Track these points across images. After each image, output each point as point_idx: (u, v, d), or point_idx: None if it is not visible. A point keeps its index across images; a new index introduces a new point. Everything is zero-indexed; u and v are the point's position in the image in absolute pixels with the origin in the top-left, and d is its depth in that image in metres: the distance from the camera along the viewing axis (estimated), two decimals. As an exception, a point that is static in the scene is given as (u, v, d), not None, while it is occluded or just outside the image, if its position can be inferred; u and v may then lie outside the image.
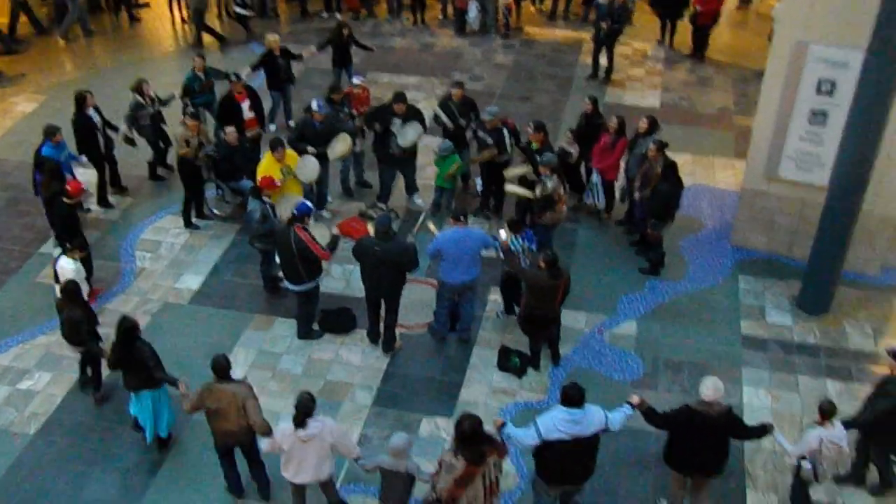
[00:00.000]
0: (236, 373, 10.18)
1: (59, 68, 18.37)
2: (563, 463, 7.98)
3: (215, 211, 13.41)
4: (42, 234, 12.85)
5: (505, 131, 12.71)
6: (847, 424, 8.43)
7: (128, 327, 8.95)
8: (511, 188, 12.34)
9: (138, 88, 13.56)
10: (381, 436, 9.61)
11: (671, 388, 10.41)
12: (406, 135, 12.73)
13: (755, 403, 10.21)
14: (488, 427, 7.89)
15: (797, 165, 11.81)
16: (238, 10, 19.34)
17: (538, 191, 11.53)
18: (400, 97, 12.94)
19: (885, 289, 12.07)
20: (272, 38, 15.17)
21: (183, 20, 20.62)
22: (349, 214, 13.33)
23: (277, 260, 11.01)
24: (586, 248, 12.78)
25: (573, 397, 7.77)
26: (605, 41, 17.40)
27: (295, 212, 10.38)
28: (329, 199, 13.54)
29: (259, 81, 15.38)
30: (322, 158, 12.62)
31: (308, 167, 12.30)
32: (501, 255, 10.63)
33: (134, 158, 14.23)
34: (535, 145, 12.32)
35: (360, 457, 8.25)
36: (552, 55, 18.97)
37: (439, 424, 9.88)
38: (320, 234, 10.79)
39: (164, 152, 14.15)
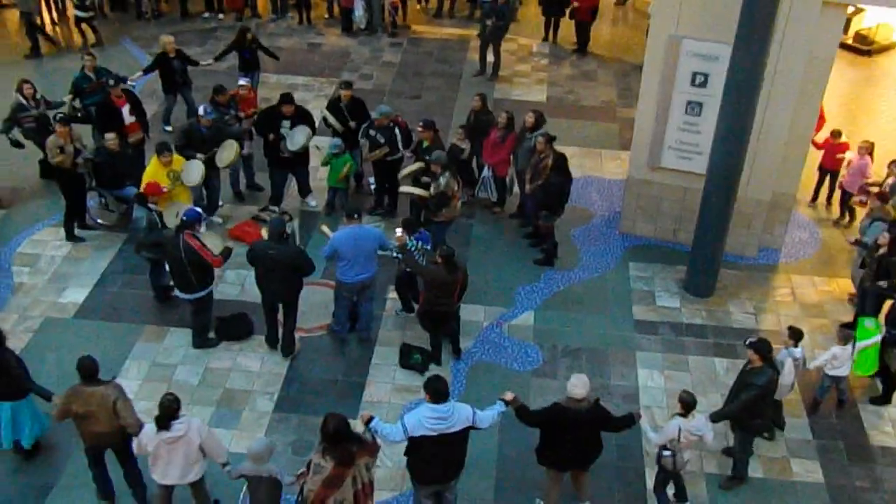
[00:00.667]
0: (130, 387, 10.04)
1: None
2: (432, 460, 7.97)
3: (99, 220, 13.02)
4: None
5: (396, 130, 12.79)
6: (715, 417, 8.83)
7: None
8: (405, 188, 12.42)
9: (20, 89, 13.20)
10: (284, 441, 9.57)
11: (570, 376, 10.52)
12: (295, 138, 12.66)
13: (650, 384, 10.56)
14: (356, 421, 7.97)
15: (677, 155, 12.25)
16: (78, 13, 18.73)
17: (432, 188, 11.64)
18: (287, 98, 12.86)
19: (763, 268, 12.66)
20: (167, 40, 14.94)
21: (54, 22, 20.01)
22: (242, 219, 13.20)
23: (168, 268, 10.80)
24: (482, 243, 12.97)
25: (438, 391, 7.71)
26: (491, 38, 17.65)
27: (183, 218, 10.19)
28: (220, 203, 13.36)
29: (140, 84, 15.04)
30: (211, 164, 12.44)
31: (193, 171, 12.06)
32: (398, 254, 10.70)
33: (6, 167, 13.76)
34: (425, 143, 12.43)
35: (227, 462, 8.17)
36: (440, 53, 19.13)
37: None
38: (212, 240, 10.65)
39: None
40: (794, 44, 11.05)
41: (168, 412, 7.80)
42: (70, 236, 12.69)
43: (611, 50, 19.50)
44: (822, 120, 13.80)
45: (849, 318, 11.52)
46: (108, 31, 19.54)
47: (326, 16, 20.69)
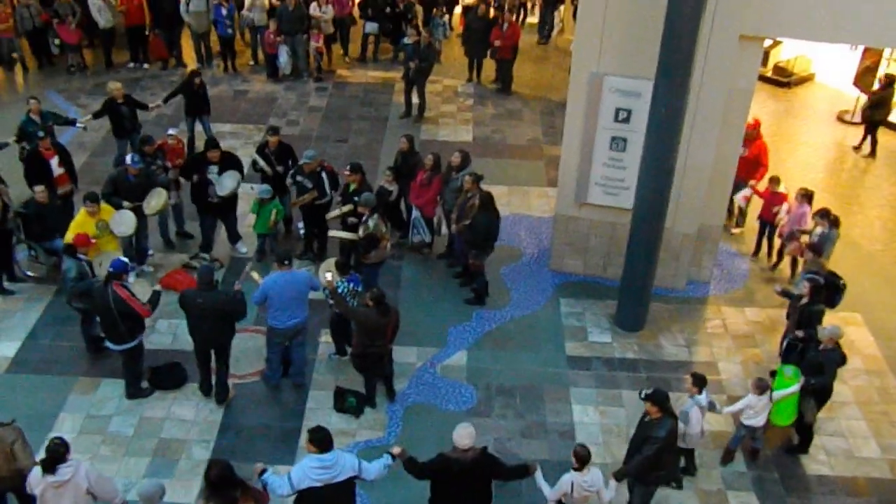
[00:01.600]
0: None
1: None
2: None
3: (28, 273, 12.83)
4: None
5: (323, 174, 12.84)
6: (618, 476, 8.64)
7: None
8: (334, 233, 12.50)
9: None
10: None
11: (505, 414, 10.76)
12: (224, 184, 12.66)
13: (585, 420, 10.69)
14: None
15: (604, 190, 12.48)
16: None
17: (360, 231, 11.70)
18: (213, 144, 12.90)
19: (693, 300, 12.92)
20: (114, 86, 14.96)
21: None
22: (172, 267, 13.09)
23: (98, 319, 10.67)
24: (412, 284, 13.05)
25: (321, 440, 7.81)
26: (415, 80, 17.86)
27: (111, 269, 10.12)
28: (150, 252, 13.21)
29: (67, 137, 14.88)
30: (139, 212, 12.36)
31: (124, 222, 11.98)
32: (329, 297, 10.72)
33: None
34: (353, 186, 12.50)
35: (125, 501, 8.16)
36: (365, 96, 19.28)
37: (281, 472, 9.77)
38: (142, 289, 10.56)
39: None
40: (714, 77, 11.35)
41: (54, 456, 7.73)
42: (0, 289, 12.47)
43: (534, 88, 19.87)
44: (764, 168, 13.91)
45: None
46: (32, 83, 19.33)
47: (251, 62, 20.72)
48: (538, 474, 8.53)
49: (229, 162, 12.97)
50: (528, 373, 11.43)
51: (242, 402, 10.81)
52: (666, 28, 10.20)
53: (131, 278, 10.41)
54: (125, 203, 12.24)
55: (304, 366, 11.10)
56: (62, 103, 18.19)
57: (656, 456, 8.51)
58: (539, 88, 19.89)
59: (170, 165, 13.39)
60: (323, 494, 7.82)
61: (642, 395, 8.67)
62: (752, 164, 13.76)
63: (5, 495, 8.41)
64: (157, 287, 10.74)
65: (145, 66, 20.36)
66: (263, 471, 8.01)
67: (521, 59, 19.91)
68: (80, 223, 11.42)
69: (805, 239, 12.29)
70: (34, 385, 10.94)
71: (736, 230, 14.33)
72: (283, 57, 19.45)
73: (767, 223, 13.60)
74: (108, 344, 10.46)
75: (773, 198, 13.32)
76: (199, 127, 16.25)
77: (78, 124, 14.95)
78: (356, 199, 12.01)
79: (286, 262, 10.51)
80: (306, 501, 7.92)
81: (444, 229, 13.61)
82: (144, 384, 10.85)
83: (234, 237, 13.51)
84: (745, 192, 13.79)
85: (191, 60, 20.68)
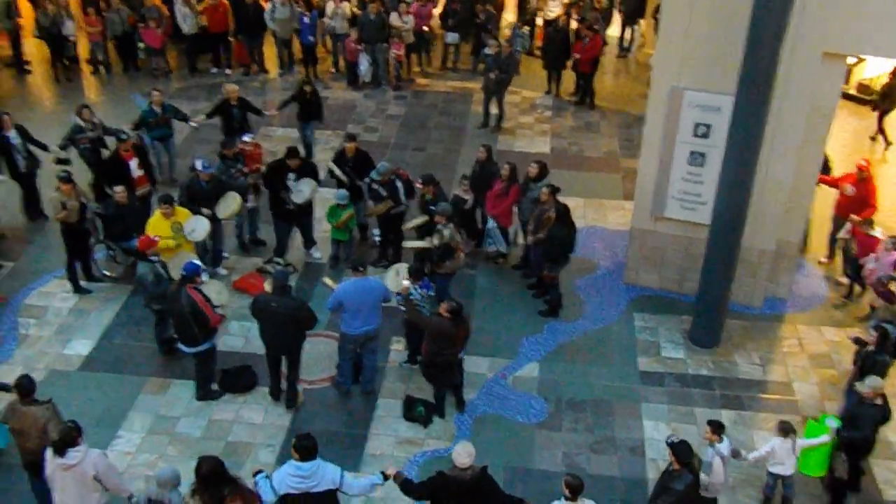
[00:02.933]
0: (132, 439, 9.97)
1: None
2: None
3: (105, 272, 13.04)
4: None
5: (398, 183, 12.81)
6: None
7: None
8: (409, 243, 12.46)
9: (79, 112, 14.08)
10: None
11: (575, 428, 10.55)
12: (301, 192, 12.69)
13: (656, 436, 10.41)
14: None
15: (681, 205, 12.23)
16: None
17: (435, 240, 11.62)
18: (293, 152, 12.93)
19: (769, 318, 12.53)
20: (230, 88, 15.34)
21: (68, 79, 20.21)
22: (246, 270, 13.17)
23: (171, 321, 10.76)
24: (486, 294, 12.91)
25: (303, 449, 7.73)
26: (495, 90, 17.76)
27: (183, 272, 10.17)
28: (226, 255, 13.35)
29: (148, 140, 15.16)
30: (214, 217, 12.43)
31: (198, 229, 12.01)
32: (401, 303, 10.65)
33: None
34: (428, 196, 12.44)
35: (132, 494, 8.27)
36: (444, 105, 19.25)
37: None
38: (216, 291, 10.62)
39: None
40: (795, 94, 11.08)
41: (65, 439, 7.90)
42: (77, 288, 12.69)
43: (613, 101, 19.59)
44: (871, 208, 12.86)
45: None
46: (117, 86, 19.80)
47: (332, 70, 20.86)
48: None
49: (307, 170, 13.01)
50: (599, 387, 11.20)
51: (311, 408, 10.79)
52: (748, 44, 9.99)
53: (205, 277, 10.46)
54: (204, 210, 12.29)
55: (374, 373, 11.04)
56: (145, 106, 18.48)
57: None
58: (618, 101, 19.60)
59: (247, 170, 13.48)
60: (301, 502, 7.76)
61: (668, 441, 8.33)
62: (858, 204, 12.98)
63: (41, 470, 8.54)
64: (234, 295, 10.71)
65: (227, 71, 20.65)
66: (259, 472, 8.02)
67: (600, 72, 19.69)
68: (155, 225, 11.53)
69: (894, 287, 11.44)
70: (106, 383, 11.08)
71: (825, 260, 13.81)
72: (364, 65, 19.54)
73: (844, 221, 12.99)
74: (181, 346, 10.55)
75: (866, 241, 12.39)
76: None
77: (191, 122, 15.35)
78: (432, 208, 11.93)
79: (360, 269, 10.47)
80: None
81: (519, 240, 13.43)
82: (214, 386, 10.90)
83: (309, 242, 13.54)
84: (848, 226, 12.97)
85: (273, 67, 20.92)
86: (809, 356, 11.86)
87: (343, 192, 12.97)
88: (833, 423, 9.18)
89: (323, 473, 7.77)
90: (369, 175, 13.06)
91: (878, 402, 9.18)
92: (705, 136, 11.68)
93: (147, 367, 11.35)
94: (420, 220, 12.38)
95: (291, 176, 12.76)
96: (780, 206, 11.84)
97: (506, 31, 21.18)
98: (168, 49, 20.59)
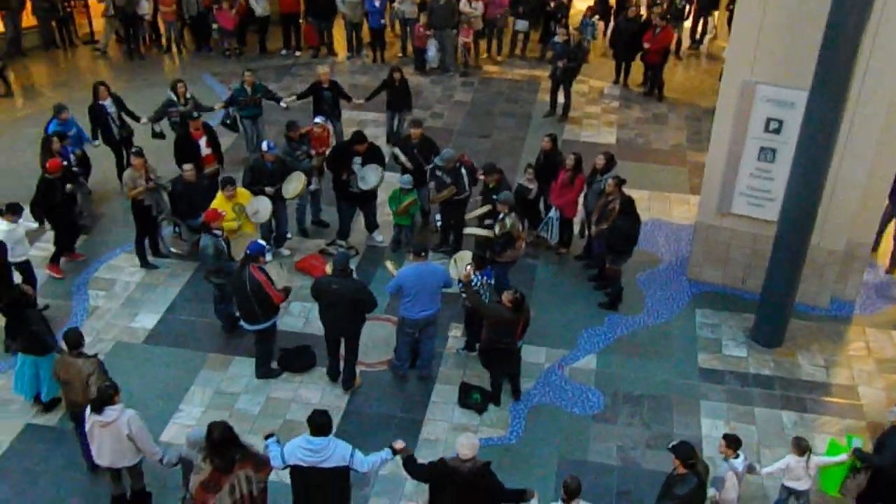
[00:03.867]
0: (193, 413, 10.14)
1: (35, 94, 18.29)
2: (305, 491, 7.99)
3: (172, 249, 13.25)
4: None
5: (462, 170, 12.76)
6: None
7: (15, 298, 9.94)
8: (470, 230, 12.40)
9: (173, 87, 14.66)
10: None
11: (631, 422, 10.43)
12: (367, 178, 12.71)
13: (714, 434, 10.20)
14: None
15: (748, 201, 11.98)
16: None
17: (497, 229, 11.56)
18: (360, 137, 12.92)
19: (835, 320, 12.23)
20: (322, 70, 15.55)
21: (140, 56, 20.57)
22: (309, 252, 13.27)
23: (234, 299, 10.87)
24: (546, 284, 12.82)
25: (316, 425, 7.79)
26: (562, 79, 17.59)
27: (248, 251, 10.26)
28: (289, 236, 13.47)
29: (217, 119, 15.35)
30: (278, 197, 12.55)
31: (261, 210, 12.15)
32: (462, 290, 10.62)
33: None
34: (491, 184, 12.38)
35: (161, 456, 8.60)
36: (510, 93, 19.14)
37: (400, 463, 9.75)
38: (277, 270, 10.71)
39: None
40: (873, 92, 10.75)
41: (103, 397, 8.28)
42: (144, 263, 12.93)
43: (681, 93, 19.28)
44: None
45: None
46: (189, 66, 20.13)
47: (400, 55, 20.89)
48: (534, 502, 8.07)
49: (373, 154, 13.00)
50: (657, 382, 11.05)
51: (368, 390, 10.83)
52: (826, 37, 9.70)
53: (268, 257, 10.54)
54: (267, 189, 12.43)
55: (431, 358, 11.03)
56: (217, 86, 18.76)
57: None
58: (687, 94, 19.29)
59: (314, 153, 13.56)
60: (309, 475, 7.84)
61: (669, 446, 8.08)
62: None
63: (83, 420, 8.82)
64: (295, 276, 10.82)
65: (297, 53, 20.83)
66: (270, 435, 8.15)
67: (670, 64, 19.42)
68: (218, 206, 11.61)
69: None
70: (169, 357, 11.27)
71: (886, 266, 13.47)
72: (432, 51, 19.52)
73: None
74: (243, 323, 10.66)
75: None
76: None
77: (282, 103, 15.49)
78: (495, 197, 11.88)
79: (422, 255, 10.47)
80: (295, 478, 7.97)
81: (584, 231, 13.31)
82: (274, 365, 11.01)
83: (372, 226, 13.57)
84: None
85: (341, 50, 21.02)
86: (877, 360, 11.54)
87: (407, 177, 12.97)
88: (857, 442, 8.78)
89: (333, 450, 7.82)
90: (433, 161, 13.05)
91: None
92: (777, 131, 11.41)
93: (209, 343, 11.51)
94: (482, 209, 12.32)
95: (357, 160, 12.79)
96: (852, 207, 11.52)
97: (575, 20, 20.99)
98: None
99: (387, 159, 13.54)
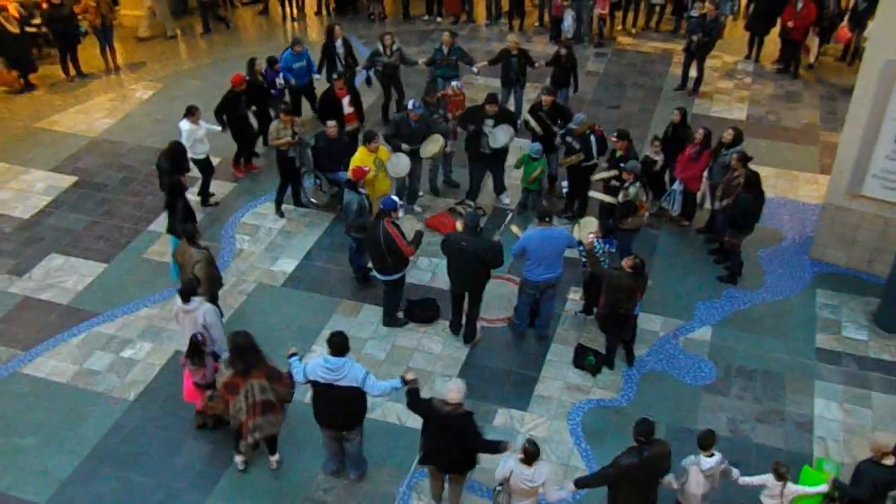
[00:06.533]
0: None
1: (176, 58, 18.91)
2: (321, 405, 8.40)
3: (312, 200, 13.54)
4: (151, 213, 13.26)
5: (592, 137, 12.53)
6: (578, 482, 7.87)
7: (173, 184, 11.64)
8: (595, 194, 12.19)
9: (381, 38, 15.27)
10: None
11: (743, 396, 10.14)
12: (497, 137, 12.63)
13: (826, 416, 9.87)
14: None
15: (882, 184, 11.35)
16: None
17: (621, 196, 11.35)
18: (493, 98, 12.84)
19: (965, 310, 11.50)
20: (512, 39, 15.51)
21: (293, 17, 20.98)
22: (439, 210, 13.33)
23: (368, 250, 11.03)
24: (666, 254, 12.53)
25: (334, 345, 8.09)
26: (696, 53, 16.99)
27: (382, 206, 10.39)
28: (421, 194, 13.56)
29: (360, 79, 15.55)
30: (415, 156, 12.65)
31: (400, 164, 12.33)
32: (583, 255, 10.49)
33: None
34: (619, 152, 12.13)
35: (218, 354, 9.11)
36: (643, 65, 18.64)
37: (513, 416, 9.82)
38: (409, 225, 10.79)
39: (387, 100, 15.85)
40: None
41: (188, 289, 9.15)
42: (277, 210, 13.30)
43: (817, 71, 18.33)
44: None
45: None
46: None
47: (537, 24, 20.60)
48: (505, 454, 7.92)
49: (504, 117, 12.91)
50: (772, 358, 10.68)
51: (487, 345, 10.87)
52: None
53: (400, 214, 10.65)
54: (404, 146, 12.54)
55: (550, 319, 10.97)
56: (361, 48, 18.93)
57: (607, 480, 7.79)
58: (823, 72, 18.33)
59: (450, 116, 13.56)
60: (327, 391, 8.20)
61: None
62: None
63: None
64: (420, 227, 10.98)
65: (438, 19, 20.80)
66: (293, 354, 8.62)
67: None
68: (360, 159, 11.77)
69: None
70: (305, 300, 11.57)
71: None
72: (568, 21, 19.12)
73: None
74: (375, 273, 10.83)
75: None
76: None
77: (473, 68, 15.58)
78: (622, 165, 11.63)
79: (547, 219, 10.36)
80: (316, 393, 8.38)
81: (706, 204, 12.91)
82: (400, 315, 11.15)
83: (500, 188, 13.52)
84: None
85: (481, 17, 20.88)
86: None
87: (537, 145, 12.82)
88: (828, 467, 8.28)
89: (349, 370, 8.11)
90: (564, 127, 12.86)
91: (888, 462, 7.73)
92: (918, 115, 10.74)
93: (342, 289, 11.75)
94: (609, 172, 12.09)
95: (489, 122, 12.72)
96: None
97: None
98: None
99: (518, 124, 13.39)
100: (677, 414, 9.88)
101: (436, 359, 10.62)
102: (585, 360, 10.51)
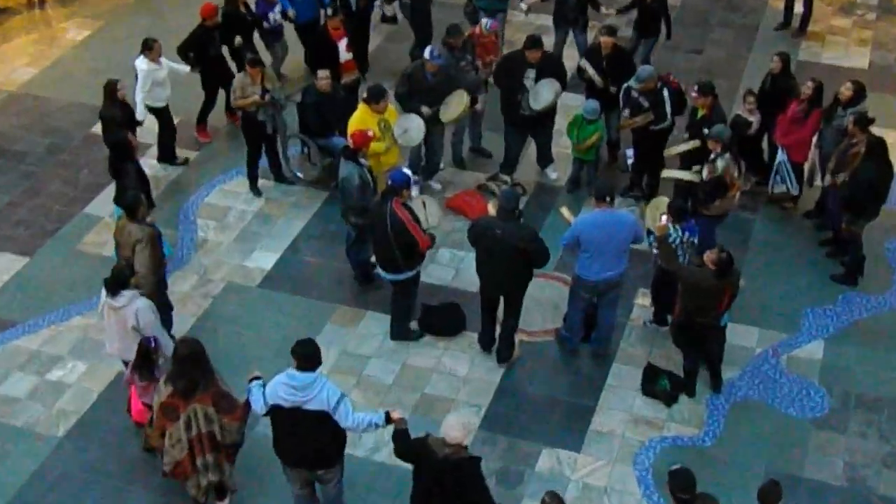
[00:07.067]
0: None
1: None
2: (285, 436, 8.19)
3: (298, 174, 13.58)
4: (88, 191, 13.35)
5: (665, 92, 12.55)
6: None
7: (116, 141, 11.86)
8: (669, 173, 12.29)
9: None
10: (488, 469, 9.06)
11: (865, 433, 10.18)
12: (540, 95, 12.65)
13: (974, 459, 9.92)
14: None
15: None
16: None
17: (704, 172, 11.38)
18: (535, 42, 12.78)
19: None
20: None
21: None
22: (464, 186, 13.40)
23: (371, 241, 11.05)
24: (764, 246, 12.60)
25: (303, 356, 7.91)
26: (804, -19, 17.05)
27: (390, 181, 10.40)
28: (441, 166, 13.61)
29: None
30: (434, 120, 12.62)
31: (411, 129, 12.24)
32: (654, 246, 10.54)
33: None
34: (701, 112, 12.15)
35: (166, 359, 8.99)
36: (732, -3, 18.67)
37: (562, 458, 9.87)
38: (429, 211, 10.82)
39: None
40: None
41: (116, 278, 9.16)
42: (252, 188, 13.36)
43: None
44: None
45: None
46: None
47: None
48: None
49: (550, 67, 12.89)
50: (903, 384, 10.75)
51: (528, 365, 10.93)
52: None
53: (414, 193, 10.66)
54: (423, 108, 12.45)
55: (611, 331, 11.02)
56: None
57: None
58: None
59: (480, 63, 13.55)
60: (289, 417, 7.99)
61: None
62: None
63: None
64: (440, 211, 10.96)
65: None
66: (256, 378, 8.38)
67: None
68: (360, 120, 11.74)
69: None
70: (289, 306, 11.64)
71: None
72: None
73: None
74: (380, 271, 10.89)
75: None
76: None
77: (522, 4, 16.02)
78: (706, 131, 11.65)
79: (607, 200, 10.35)
80: (275, 422, 8.19)
81: (816, 180, 12.93)
82: (414, 325, 11.20)
83: (546, 159, 13.57)
84: None
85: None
86: None
87: (593, 102, 12.85)
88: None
89: (318, 390, 7.90)
90: (628, 81, 12.88)
91: None
92: None
93: (338, 292, 11.82)
94: (689, 144, 12.12)
95: (530, 73, 12.75)
96: None
97: None
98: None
99: (569, 75, 13.43)
100: (778, 457, 9.92)
101: (461, 383, 10.69)
102: (658, 385, 10.57)
